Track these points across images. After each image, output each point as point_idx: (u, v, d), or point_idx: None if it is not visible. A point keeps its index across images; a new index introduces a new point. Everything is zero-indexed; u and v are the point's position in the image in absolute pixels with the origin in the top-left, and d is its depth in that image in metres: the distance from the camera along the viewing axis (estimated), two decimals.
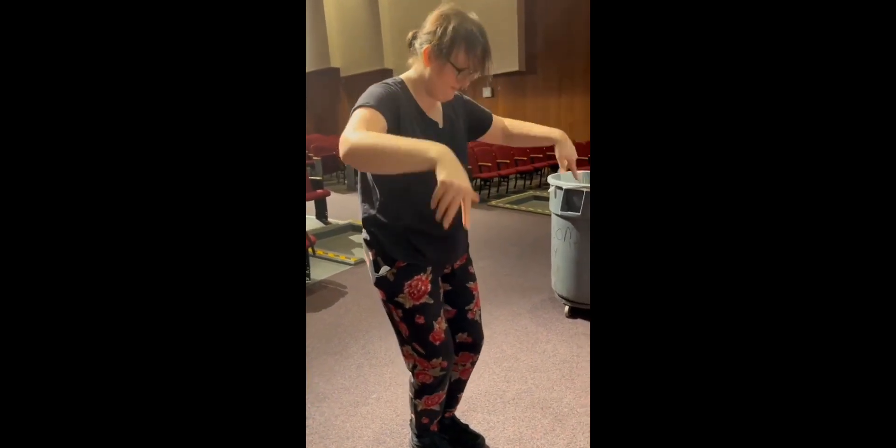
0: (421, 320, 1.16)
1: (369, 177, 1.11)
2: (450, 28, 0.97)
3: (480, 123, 1.25)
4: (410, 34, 1.05)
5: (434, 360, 1.19)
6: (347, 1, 10.44)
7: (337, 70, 11.13)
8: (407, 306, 1.15)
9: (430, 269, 1.16)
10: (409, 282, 1.13)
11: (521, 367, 1.91)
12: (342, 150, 0.84)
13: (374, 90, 1.01)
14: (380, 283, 1.15)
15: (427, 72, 1.03)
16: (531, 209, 5.04)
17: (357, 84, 11.09)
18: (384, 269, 1.13)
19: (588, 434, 1.50)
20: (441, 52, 0.98)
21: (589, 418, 1.58)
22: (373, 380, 1.86)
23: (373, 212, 1.12)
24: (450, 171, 0.77)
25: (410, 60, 1.07)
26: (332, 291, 2.79)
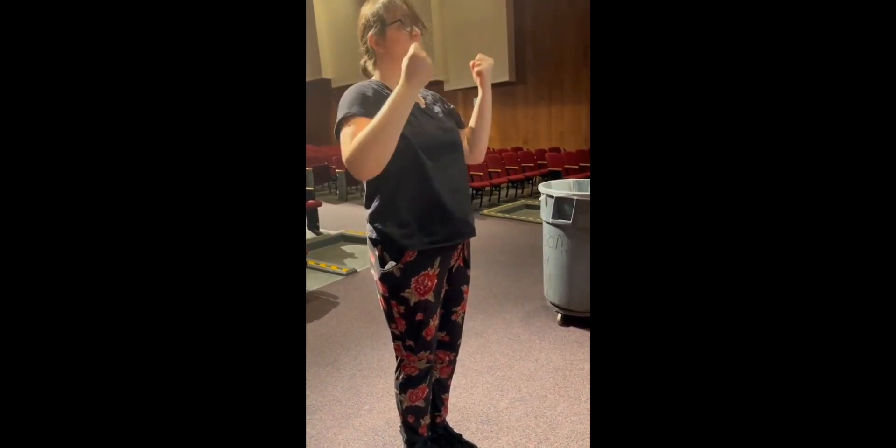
0: (420, 317, 1.18)
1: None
2: (367, 14, 1.11)
3: (458, 120, 1.28)
4: (362, 61, 1.17)
5: (421, 353, 1.24)
6: (338, 12, 10.52)
7: (328, 81, 11.17)
8: (412, 302, 1.16)
9: (438, 261, 1.15)
10: (417, 277, 1.14)
11: (515, 376, 1.90)
12: (352, 168, 0.96)
13: (354, 94, 1.05)
14: (385, 278, 1.14)
15: (389, 53, 1.11)
16: (522, 218, 5.06)
17: None
18: (390, 265, 1.12)
19: (582, 442, 1.50)
20: (378, 28, 1.09)
21: (582, 426, 1.57)
22: (365, 391, 1.84)
23: (379, 203, 1.11)
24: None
25: (371, 68, 1.17)
26: (324, 302, 2.77)
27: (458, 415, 1.66)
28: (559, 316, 2.37)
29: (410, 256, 1.12)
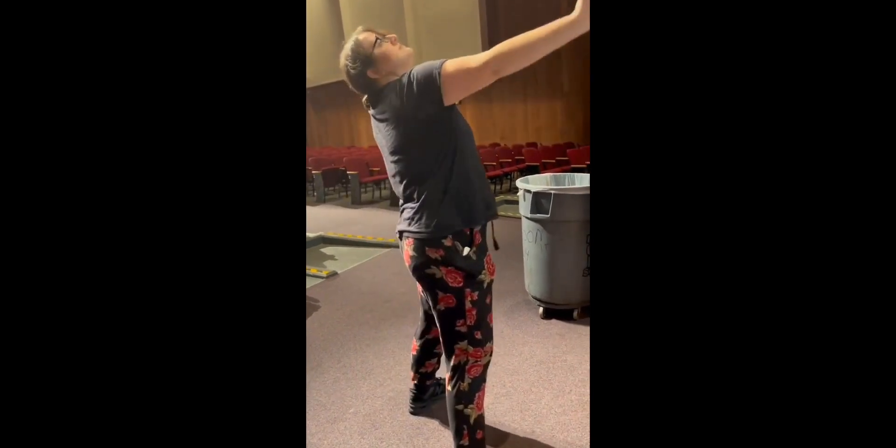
0: (489, 300, 1.19)
1: (429, 160, 1.10)
2: (346, 62, 1.15)
3: None
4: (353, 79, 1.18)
5: (488, 344, 1.21)
6: (309, 12, 10.39)
7: None
8: (485, 284, 1.17)
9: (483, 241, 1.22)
10: (486, 257, 1.19)
11: (499, 371, 1.91)
12: (491, 63, 0.95)
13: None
14: (465, 266, 1.13)
15: (389, 69, 1.14)
16: (502, 213, 5.06)
17: (322, 95, 11.01)
18: (467, 250, 1.13)
19: (566, 433, 1.51)
20: (363, 64, 1.13)
21: (566, 417, 1.59)
22: (350, 394, 1.82)
23: (437, 197, 1.10)
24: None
25: (378, 78, 1.17)
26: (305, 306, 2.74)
27: (444, 413, 1.65)
28: (541, 309, 2.39)
29: (478, 239, 1.15)
